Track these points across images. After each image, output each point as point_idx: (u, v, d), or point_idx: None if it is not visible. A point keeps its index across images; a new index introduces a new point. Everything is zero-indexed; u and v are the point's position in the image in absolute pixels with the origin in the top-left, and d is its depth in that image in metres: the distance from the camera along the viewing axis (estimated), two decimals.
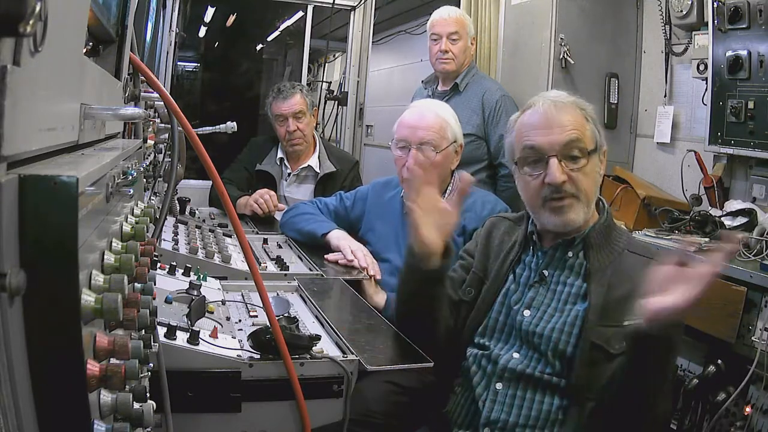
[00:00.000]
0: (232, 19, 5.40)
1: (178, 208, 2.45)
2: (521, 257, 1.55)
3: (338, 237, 2.16)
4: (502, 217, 1.69)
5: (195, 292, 1.48)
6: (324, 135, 4.16)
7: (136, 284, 0.80)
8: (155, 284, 0.95)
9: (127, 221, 0.86)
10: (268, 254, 2.12)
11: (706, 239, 2.31)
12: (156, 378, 1.06)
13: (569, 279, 1.45)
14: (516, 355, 1.43)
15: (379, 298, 2.00)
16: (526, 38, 3.23)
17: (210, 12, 5.18)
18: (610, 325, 1.34)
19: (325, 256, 2.10)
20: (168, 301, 1.41)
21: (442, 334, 1.54)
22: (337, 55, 5.77)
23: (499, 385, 1.42)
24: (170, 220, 2.22)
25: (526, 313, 1.46)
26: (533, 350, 1.42)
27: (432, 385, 1.62)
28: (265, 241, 2.33)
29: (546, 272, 1.48)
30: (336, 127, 4.23)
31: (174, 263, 1.64)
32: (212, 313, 1.45)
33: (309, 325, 1.51)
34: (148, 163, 1.39)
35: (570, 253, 1.46)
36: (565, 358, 1.38)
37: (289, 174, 3.00)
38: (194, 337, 1.22)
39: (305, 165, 2.98)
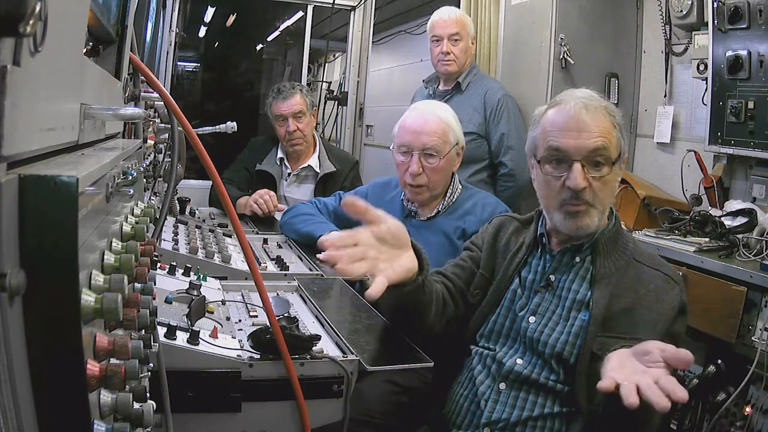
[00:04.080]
0: (232, 19, 5.40)
1: (178, 208, 2.45)
2: (528, 260, 1.53)
3: None
4: (510, 217, 1.67)
5: (195, 292, 1.48)
6: (324, 135, 4.16)
7: (136, 284, 0.80)
8: (155, 284, 0.95)
9: (127, 221, 0.86)
10: (268, 254, 2.12)
11: (706, 239, 2.32)
12: (156, 378, 1.06)
13: (575, 285, 1.43)
14: (519, 360, 1.43)
15: None
16: (526, 38, 3.23)
17: (210, 12, 5.18)
18: (612, 336, 1.33)
19: (318, 255, 2.08)
20: (168, 301, 1.40)
21: (430, 328, 1.49)
22: (337, 55, 5.78)
23: (502, 386, 1.42)
24: (170, 220, 2.22)
25: (532, 319, 1.45)
26: (537, 357, 1.41)
27: (432, 385, 1.62)
28: (265, 241, 2.33)
29: (552, 277, 1.47)
30: (336, 127, 4.23)
31: (174, 263, 1.64)
32: (212, 313, 1.45)
33: (309, 325, 1.51)
34: (148, 163, 1.39)
35: (577, 258, 1.45)
36: (568, 367, 1.37)
37: (289, 174, 3.00)
38: (194, 337, 1.22)
39: (305, 165, 2.98)
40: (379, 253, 1.32)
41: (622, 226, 1.54)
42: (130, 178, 0.83)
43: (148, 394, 0.73)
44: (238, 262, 1.87)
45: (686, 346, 2.38)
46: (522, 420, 1.38)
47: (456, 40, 2.89)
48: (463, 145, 2.12)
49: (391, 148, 2.14)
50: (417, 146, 2.03)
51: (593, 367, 1.31)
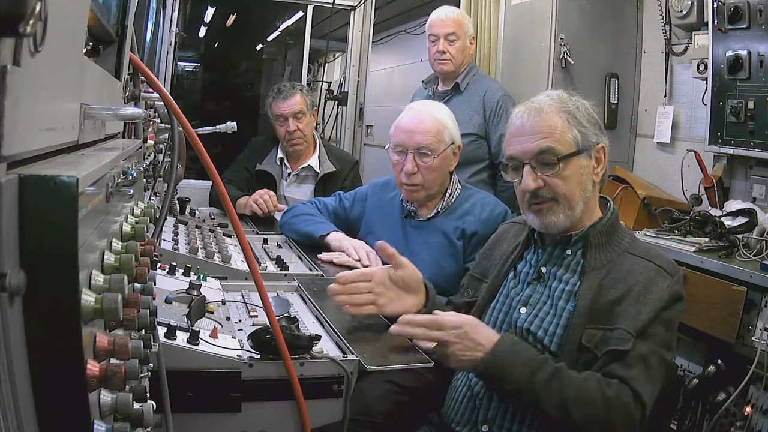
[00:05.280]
0: (232, 19, 5.40)
1: (178, 208, 2.45)
2: (523, 254, 1.57)
3: (338, 238, 2.15)
4: (514, 222, 1.72)
5: (195, 292, 1.48)
6: (324, 135, 4.16)
7: (136, 284, 0.80)
8: (155, 284, 0.95)
9: (127, 221, 0.86)
10: (268, 254, 2.12)
11: (706, 239, 2.32)
12: (156, 378, 1.06)
13: (565, 276, 1.45)
14: None
15: None
16: (526, 38, 3.23)
17: (210, 12, 5.18)
18: (599, 327, 1.33)
19: (319, 256, 2.09)
20: (168, 301, 1.40)
21: None
22: (337, 55, 5.78)
23: None
24: (170, 220, 2.22)
25: (523, 310, 1.46)
26: None
27: (432, 385, 1.62)
28: (265, 241, 2.33)
29: (544, 269, 1.49)
30: (336, 127, 4.23)
31: (174, 263, 1.64)
32: (212, 313, 1.45)
33: (309, 325, 1.51)
34: (148, 163, 1.38)
35: (569, 251, 1.46)
36: (556, 358, 1.37)
37: (289, 174, 3.00)
38: (194, 337, 1.22)
39: (305, 165, 2.98)
40: (386, 291, 1.56)
41: (621, 222, 1.54)
42: (130, 178, 0.83)
43: (148, 394, 0.73)
44: (238, 262, 1.87)
45: (686, 346, 2.39)
46: (519, 417, 1.38)
47: (452, 40, 2.89)
48: (459, 145, 2.12)
49: (386, 147, 2.14)
50: (411, 145, 2.03)
51: (582, 359, 1.31)
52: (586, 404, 1.24)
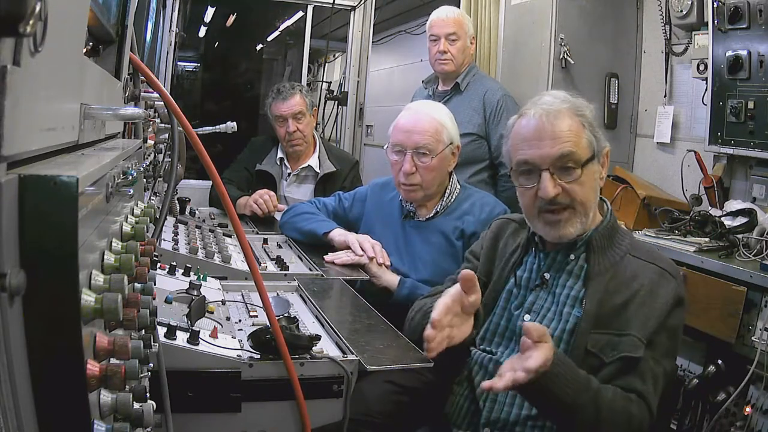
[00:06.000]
0: (232, 19, 5.40)
1: (178, 208, 2.45)
2: (523, 259, 1.54)
3: (343, 233, 2.16)
4: (509, 220, 1.68)
5: (195, 292, 1.48)
6: (324, 135, 4.16)
7: (136, 284, 0.80)
8: (155, 284, 0.95)
9: (127, 221, 0.86)
10: (268, 254, 2.12)
11: (706, 239, 2.32)
12: (156, 378, 1.06)
13: (569, 282, 1.43)
14: None
15: (390, 276, 2.01)
16: (526, 38, 3.23)
17: (210, 12, 5.17)
18: (605, 332, 1.33)
19: (325, 257, 2.09)
20: (168, 301, 1.40)
21: None
22: (337, 55, 5.77)
23: None
24: (170, 220, 2.22)
25: (527, 317, 1.45)
26: None
27: (432, 385, 1.62)
28: (265, 241, 2.33)
29: (547, 275, 1.47)
30: (336, 127, 4.23)
31: (174, 263, 1.64)
32: (212, 313, 1.45)
33: (309, 325, 1.51)
34: (148, 163, 1.38)
35: (572, 256, 1.45)
36: None
37: (289, 174, 3.00)
38: (194, 337, 1.22)
39: (305, 165, 2.98)
40: (454, 318, 1.35)
41: (619, 222, 1.54)
42: (130, 178, 0.83)
43: (148, 394, 0.73)
44: (238, 262, 1.87)
45: (686, 346, 2.39)
46: (521, 419, 1.38)
47: (453, 39, 2.89)
48: (458, 145, 2.12)
49: (384, 148, 2.14)
50: (409, 145, 2.03)
51: (588, 364, 1.31)
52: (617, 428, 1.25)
